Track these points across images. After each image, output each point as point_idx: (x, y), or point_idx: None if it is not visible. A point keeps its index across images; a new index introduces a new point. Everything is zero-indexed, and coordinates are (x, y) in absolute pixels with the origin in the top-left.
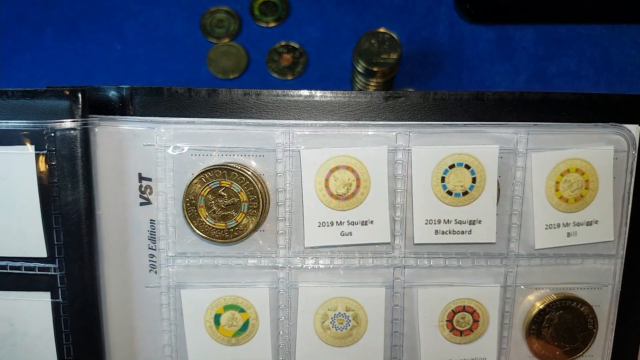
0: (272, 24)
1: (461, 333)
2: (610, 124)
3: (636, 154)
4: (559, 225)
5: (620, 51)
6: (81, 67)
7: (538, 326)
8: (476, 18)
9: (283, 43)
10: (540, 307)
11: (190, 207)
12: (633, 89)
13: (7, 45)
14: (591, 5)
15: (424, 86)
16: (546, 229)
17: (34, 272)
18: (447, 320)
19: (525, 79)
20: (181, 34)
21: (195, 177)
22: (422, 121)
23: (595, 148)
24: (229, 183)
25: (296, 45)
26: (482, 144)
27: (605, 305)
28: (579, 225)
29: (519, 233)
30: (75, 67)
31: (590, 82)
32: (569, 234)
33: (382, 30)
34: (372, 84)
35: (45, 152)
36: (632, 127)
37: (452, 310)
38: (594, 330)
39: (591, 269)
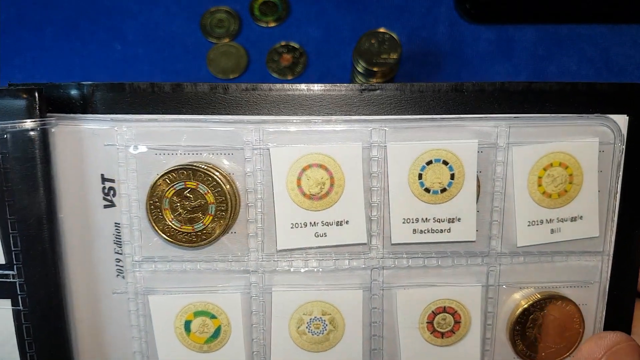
0: (272, 24)
1: (442, 335)
2: (595, 115)
3: (624, 147)
4: (542, 222)
5: (620, 51)
6: (81, 67)
7: (522, 327)
8: (476, 18)
9: (283, 43)
10: (525, 306)
11: (154, 209)
12: None
13: (7, 45)
14: (591, 5)
15: None
16: (529, 225)
17: None
18: (427, 322)
19: (525, 78)
20: (181, 34)
21: (159, 178)
22: (399, 115)
23: (579, 141)
24: (195, 184)
25: (296, 45)
26: (460, 139)
27: (592, 304)
28: (563, 222)
29: (501, 230)
30: (75, 67)
31: None
32: (552, 231)
33: (382, 30)
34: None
35: None
36: (619, 118)
37: (433, 312)
38: (581, 330)
39: (576, 266)
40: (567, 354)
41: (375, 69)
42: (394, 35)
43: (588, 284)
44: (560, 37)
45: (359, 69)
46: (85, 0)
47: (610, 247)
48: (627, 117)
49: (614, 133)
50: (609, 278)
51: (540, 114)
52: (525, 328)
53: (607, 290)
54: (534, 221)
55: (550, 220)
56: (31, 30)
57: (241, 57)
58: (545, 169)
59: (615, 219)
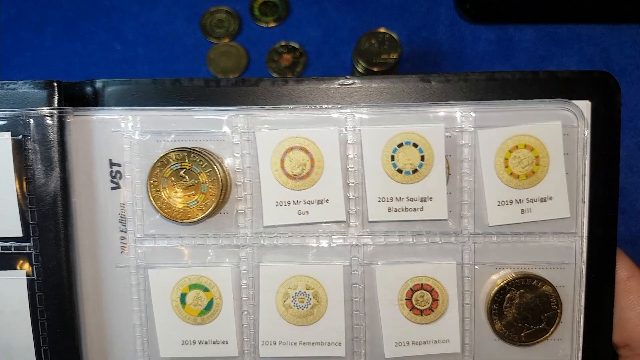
0: (272, 24)
1: (422, 312)
2: (557, 99)
3: (588, 131)
4: (512, 202)
5: (620, 51)
6: (81, 67)
7: (499, 306)
8: (476, 18)
9: (283, 43)
10: (500, 285)
11: (153, 189)
12: (633, 89)
13: (7, 45)
14: (591, 5)
15: None
16: (499, 205)
17: (11, 252)
18: (406, 299)
19: None
20: (181, 34)
21: (158, 160)
22: (373, 103)
23: (542, 124)
24: (190, 165)
25: (296, 45)
26: (428, 123)
27: (569, 285)
28: (532, 202)
29: (473, 210)
30: (75, 67)
31: None
32: (523, 211)
33: (382, 30)
34: None
35: (20, 137)
36: (581, 103)
37: (411, 289)
38: (558, 311)
39: (550, 247)
40: (547, 335)
41: (375, 69)
42: (394, 35)
43: (563, 265)
44: (560, 37)
45: (359, 69)
46: (85, 0)
47: (583, 229)
48: (590, 103)
49: (576, 117)
50: (585, 260)
51: (504, 100)
52: (502, 308)
53: (583, 272)
54: (503, 201)
55: (520, 200)
56: (31, 30)
57: (241, 57)
58: (510, 151)
59: (586, 200)
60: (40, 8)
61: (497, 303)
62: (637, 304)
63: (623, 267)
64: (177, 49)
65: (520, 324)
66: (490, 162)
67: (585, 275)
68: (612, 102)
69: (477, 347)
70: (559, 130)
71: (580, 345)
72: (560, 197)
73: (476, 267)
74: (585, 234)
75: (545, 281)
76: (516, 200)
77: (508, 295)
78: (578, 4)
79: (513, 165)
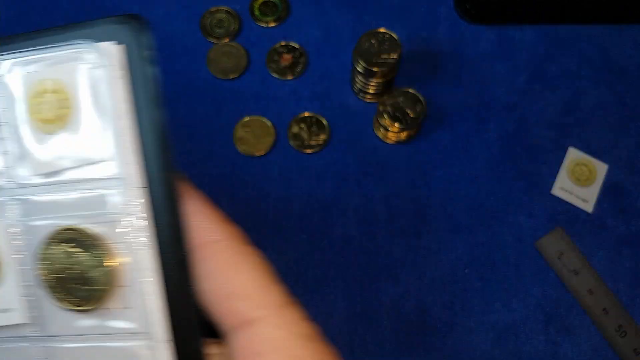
0: (272, 24)
1: None
2: (77, 41)
3: (121, 73)
4: (49, 148)
5: (620, 51)
6: None
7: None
8: (476, 18)
9: (283, 43)
10: (48, 241)
11: None
12: (634, 90)
13: None
14: (591, 5)
15: (424, 86)
16: (33, 154)
17: None
18: None
19: (525, 79)
20: (181, 34)
21: None
22: None
23: (62, 65)
24: None
25: (296, 45)
26: None
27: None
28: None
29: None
30: None
31: (591, 82)
32: (61, 158)
33: (382, 30)
34: (372, 84)
35: None
36: (107, 45)
37: None
38: (111, 269)
39: (99, 197)
40: (103, 300)
41: (375, 69)
42: (394, 35)
43: (114, 217)
44: (560, 37)
45: (359, 69)
46: (85, 0)
47: (132, 174)
48: (120, 46)
49: (103, 59)
50: (139, 209)
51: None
52: (48, 267)
53: (141, 224)
54: (39, 148)
55: (57, 145)
56: (31, 30)
57: (241, 57)
58: (39, 97)
59: (132, 145)
60: (40, 8)
61: (43, 261)
62: (217, 273)
63: (209, 230)
64: (177, 49)
65: (70, 285)
66: (23, 108)
67: (151, 229)
68: (139, 44)
69: (47, 317)
70: (80, 72)
71: (159, 317)
72: (94, 138)
73: (27, 223)
74: (140, 183)
75: (94, 237)
76: (53, 145)
77: (49, 251)
78: (578, 4)
79: (43, 110)
